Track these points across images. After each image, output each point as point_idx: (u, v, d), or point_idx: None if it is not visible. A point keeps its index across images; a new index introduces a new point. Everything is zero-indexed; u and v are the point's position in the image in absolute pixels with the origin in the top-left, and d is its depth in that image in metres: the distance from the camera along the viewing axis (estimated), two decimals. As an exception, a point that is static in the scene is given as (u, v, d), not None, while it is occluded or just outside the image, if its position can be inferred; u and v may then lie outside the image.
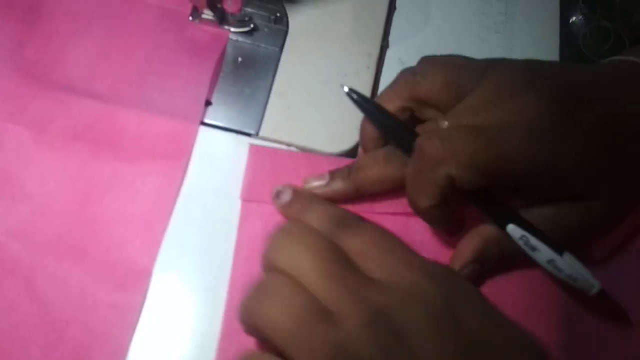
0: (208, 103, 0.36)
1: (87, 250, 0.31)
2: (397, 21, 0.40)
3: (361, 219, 0.30)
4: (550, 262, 0.28)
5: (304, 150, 0.35)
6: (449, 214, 0.29)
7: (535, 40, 0.40)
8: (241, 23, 0.38)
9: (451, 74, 0.30)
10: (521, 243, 0.28)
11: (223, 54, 0.37)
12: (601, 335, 0.31)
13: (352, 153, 0.36)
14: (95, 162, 0.33)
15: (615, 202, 0.29)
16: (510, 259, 0.30)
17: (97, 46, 0.36)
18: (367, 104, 0.31)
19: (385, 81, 0.38)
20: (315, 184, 0.32)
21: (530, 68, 0.30)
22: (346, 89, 0.30)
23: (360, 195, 0.32)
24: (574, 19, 0.42)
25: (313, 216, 0.29)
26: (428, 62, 0.32)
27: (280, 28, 0.38)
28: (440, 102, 0.30)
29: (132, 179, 0.33)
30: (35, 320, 0.29)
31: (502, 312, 0.26)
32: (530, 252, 0.28)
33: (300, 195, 0.32)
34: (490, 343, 0.25)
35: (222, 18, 0.37)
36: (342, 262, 0.25)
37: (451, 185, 0.27)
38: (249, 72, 0.37)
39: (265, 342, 0.25)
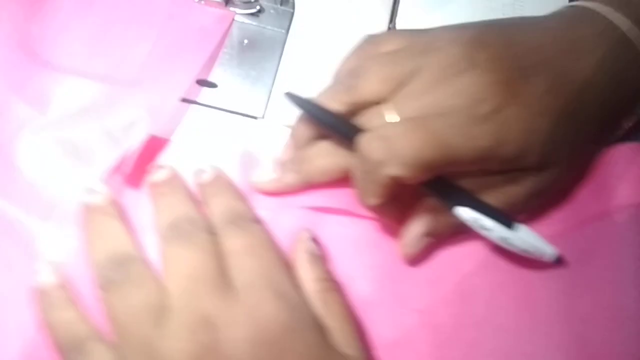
0: (212, 85, 0.35)
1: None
2: (404, 3, 0.39)
3: (255, 218, 0.29)
4: (503, 239, 0.28)
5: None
6: (399, 206, 0.29)
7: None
8: (247, 4, 0.37)
9: (387, 67, 0.29)
10: (472, 224, 0.28)
11: (225, 34, 0.37)
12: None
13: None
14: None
15: (566, 168, 0.30)
16: (462, 226, 0.29)
17: (100, 24, 0.36)
18: (308, 105, 0.30)
19: (392, 64, 0.37)
20: (266, 178, 0.32)
21: (473, 39, 0.28)
22: (284, 93, 0.30)
23: (308, 186, 0.32)
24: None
25: (218, 202, 0.30)
26: (362, 54, 0.31)
27: (286, 10, 0.38)
28: (381, 97, 0.29)
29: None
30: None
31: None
32: (482, 232, 0.29)
33: (220, 178, 0.31)
34: None
35: (228, -1, 0.37)
36: (206, 272, 0.26)
37: (396, 183, 0.27)
38: (255, 54, 0.36)
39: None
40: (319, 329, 0.26)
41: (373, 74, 0.29)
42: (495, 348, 0.30)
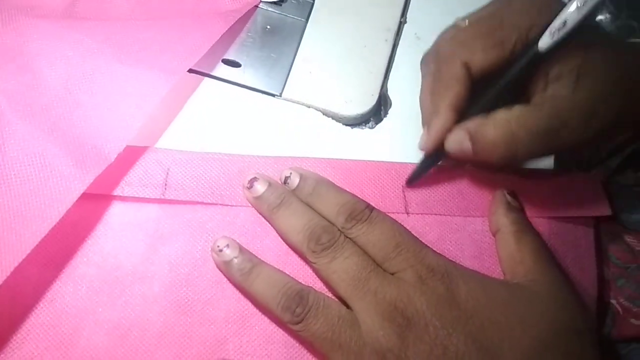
0: (237, 64, 0.39)
1: (62, 127, 0.33)
2: (416, -3, 0.42)
3: (369, 206, 0.32)
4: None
5: (324, 112, 0.38)
6: None
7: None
8: (271, -6, 0.41)
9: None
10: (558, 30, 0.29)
11: (248, 19, 0.40)
12: None
13: (366, 116, 0.39)
14: (98, 58, 0.35)
15: None
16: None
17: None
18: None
19: (401, 53, 0.41)
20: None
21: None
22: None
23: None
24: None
25: (323, 203, 0.32)
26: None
27: (307, 0, 0.41)
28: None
29: (124, 82, 0.35)
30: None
31: (496, 281, 0.31)
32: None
33: (309, 179, 0.33)
34: (489, 312, 0.29)
35: (254, -11, 0.40)
36: (368, 268, 0.30)
37: None
38: (276, 39, 0.40)
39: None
40: (475, 273, 0.31)
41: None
42: None
